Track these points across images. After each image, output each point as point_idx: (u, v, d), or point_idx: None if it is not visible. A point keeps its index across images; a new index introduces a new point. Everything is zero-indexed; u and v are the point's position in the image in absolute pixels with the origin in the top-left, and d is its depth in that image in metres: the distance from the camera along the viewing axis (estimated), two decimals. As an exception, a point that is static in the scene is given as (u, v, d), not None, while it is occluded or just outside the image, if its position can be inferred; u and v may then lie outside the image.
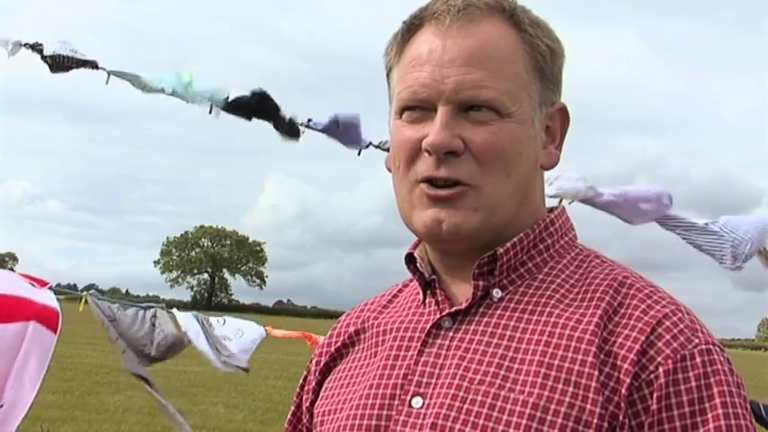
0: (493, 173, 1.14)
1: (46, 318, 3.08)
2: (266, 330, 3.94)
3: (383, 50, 1.24)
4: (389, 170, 1.23)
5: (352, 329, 1.31)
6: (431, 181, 1.15)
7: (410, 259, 1.25)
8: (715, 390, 1.06)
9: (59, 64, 3.18)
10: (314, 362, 1.35)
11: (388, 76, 1.24)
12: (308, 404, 1.34)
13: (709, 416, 1.05)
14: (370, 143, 3.25)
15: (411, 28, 1.20)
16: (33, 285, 3.28)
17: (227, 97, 3.19)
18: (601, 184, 2.94)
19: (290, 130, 3.25)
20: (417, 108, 1.16)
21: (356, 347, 1.29)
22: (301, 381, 1.38)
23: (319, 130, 3.26)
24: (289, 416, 1.39)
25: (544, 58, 1.18)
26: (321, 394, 1.29)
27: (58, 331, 3.08)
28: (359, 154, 3.28)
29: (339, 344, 1.31)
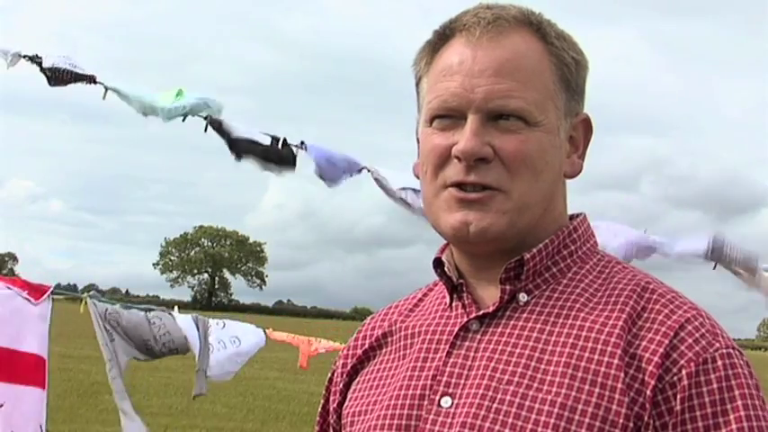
0: (522, 179, 1.17)
1: (30, 377, 3.07)
2: (266, 333, 3.94)
3: (412, 60, 1.27)
4: (417, 177, 1.27)
5: (379, 332, 1.34)
6: (460, 185, 1.18)
7: (437, 264, 1.28)
8: (736, 392, 1.10)
9: (58, 78, 3.19)
10: (340, 363, 1.38)
11: (417, 85, 1.27)
12: (335, 405, 1.36)
13: (731, 417, 1.09)
14: (364, 168, 3.27)
15: (441, 39, 1.23)
16: (29, 301, 3.24)
17: (220, 117, 3.21)
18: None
19: (285, 158, 3.26)
20: (447, 116, 1.20)
21: (384, 350, 1.32)
22: (327, 382, 1.41)
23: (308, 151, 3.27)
24: (317, 417, 1.42)
25: (570, 70, 1.22)
26: (349, 396, 1.32)
27: (46, 385, 3.08)
28: (351, 175, 3.31)
29: (366, 346, 1.34)
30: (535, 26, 1.21)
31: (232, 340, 3.73)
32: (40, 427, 3.03)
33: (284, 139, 3.27)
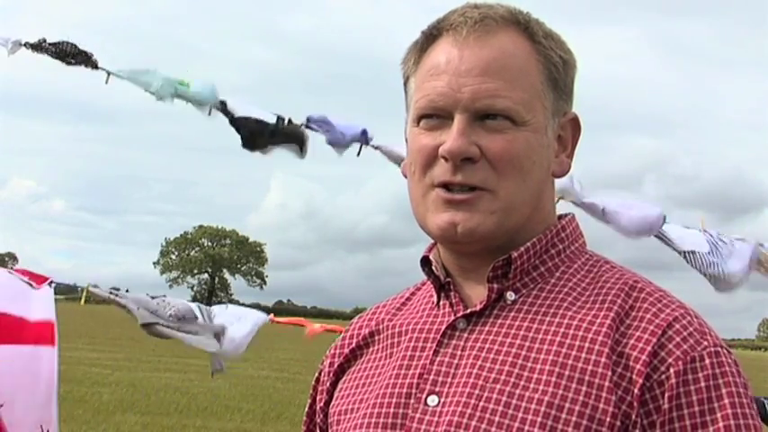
0: (509, 178, 1.17)
1: (42, 336, 3.06)
2: (269, 318, 4.00)
3: (400, 59, 1.27)
4: (405, 176, 1.27)
5: (366, 331, 1.34)
6: (447, 186, 1.18)
7: (425, 262, 1.28)
8: (723, 390, 1.11)
9: (62, 52, 3.18)
10: (327, 362, 1.38)
11: (405, 84, 1.27)
12: (321, 404, 1.36)
13: (719, 415, 1.09)
14: (368, 139, 3.25)
15: (429, 38, 1.23)
16: (31, 285, 3.26)
17: (226, 103, 3.21)
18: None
19: (293, 137, 3.25)
20: (434, 116, 1.20)
21: (371, 349, 1.32)
22: (314, 381, 1.41)
23: (315, 129, 3.26)
24: (304, 416, 1.42)
25: (557, 69, 1.22)
26: (336, 394, 1.32)
27: (56, 342, 3.07)
28: (358, 154, 3.29)
29: (353, 345, 1.34)
30: (522, 25, 1.21)
31: (236, 318, 3.77)
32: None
33: (289, 119, 3.26)
